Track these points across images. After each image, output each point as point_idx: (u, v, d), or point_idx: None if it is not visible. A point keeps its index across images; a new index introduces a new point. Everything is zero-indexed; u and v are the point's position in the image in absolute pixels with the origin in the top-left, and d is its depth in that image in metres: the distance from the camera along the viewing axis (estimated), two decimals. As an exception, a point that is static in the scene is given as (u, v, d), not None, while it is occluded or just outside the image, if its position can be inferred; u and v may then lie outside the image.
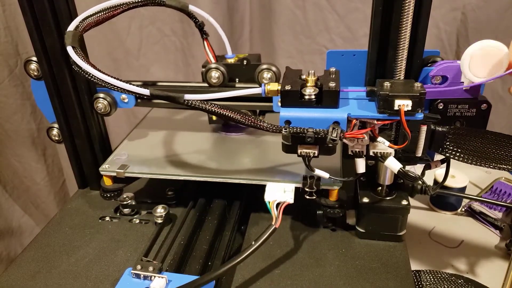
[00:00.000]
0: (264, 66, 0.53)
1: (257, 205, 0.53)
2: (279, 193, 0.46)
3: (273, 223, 0.42)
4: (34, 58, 0.52)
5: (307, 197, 0.47)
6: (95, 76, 0.41)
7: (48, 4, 0.48)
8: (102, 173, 0.54)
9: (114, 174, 0.53)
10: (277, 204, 0.44)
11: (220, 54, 0.59)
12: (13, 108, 0.98)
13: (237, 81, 0.56)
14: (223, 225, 0.52)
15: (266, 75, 0.53)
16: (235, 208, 0.54)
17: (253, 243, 0.41)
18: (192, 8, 0.55)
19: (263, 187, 0.47)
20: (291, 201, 0.45)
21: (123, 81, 0.40)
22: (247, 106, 0.56)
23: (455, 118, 0.42)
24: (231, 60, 0.57)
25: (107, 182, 0.55)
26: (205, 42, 0.57)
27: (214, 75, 0.54)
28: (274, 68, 0.53)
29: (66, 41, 0.42)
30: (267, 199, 0.45)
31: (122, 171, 0.53)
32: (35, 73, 0.53)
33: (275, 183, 0.48)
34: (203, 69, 0.55)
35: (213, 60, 0.57)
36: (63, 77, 0.52)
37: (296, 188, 0.47)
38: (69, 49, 0.42)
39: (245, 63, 0.55)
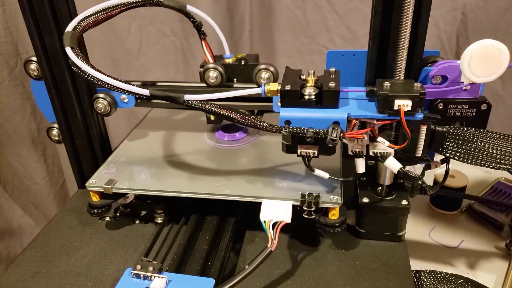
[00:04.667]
0: (262, 66, 0.53)
1: (254, 218, 0.48)
2: (275, 212, 0.44)
3: (268, 245, 0.40)
4: (34, 58, 0.52)
5: (306, 216, 0.45)
6: (95, 77, 0.41)
7: (48, 4, 0.48)
8: (88, 188, 0.50)
9: (101, 189, 0.50)
10: (274, 224, 0.42)
11: (219, 54, 0.59)
12: (13, 108, 0.98)
13: (235, 81, 0.56)
14: (223, 225, 0.52)
15: (264, 75, 0.53)
16: (230, 221, 0.52)
17: (246, 267, 0.40)
18: (190, 8, 0.55)
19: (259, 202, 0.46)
20: (289, 220, 0.43)
21: (123, 82, 0.40)
22: (247, 106, 0.56)
23: (455, 118, 0.42)
24: (229, 60, 0.57)
25: (94, 198, 0.51)
26: (203, 42, 0.57)
27: (212, 75, 0.54)
28: (272, 68, 0.53)
29: (64, 42, 0.42)
30: (262, 218, 0.43)
31: (110, 186, 0.49)
32: (35, 73, 0.53)
33: (271, 200, 0.45)
34: (201, 69, 0.55)
35: (211, 60, 0.57)
36: (63, 77, 0.52)
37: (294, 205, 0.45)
38: (68, 50, 0.42)
39: (243, 63, 0.55)
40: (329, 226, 0.47)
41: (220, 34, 0.58)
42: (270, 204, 0.45)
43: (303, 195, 0.45)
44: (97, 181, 0.51)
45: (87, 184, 0.51)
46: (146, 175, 0.53)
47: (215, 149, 0.59)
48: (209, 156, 0.57)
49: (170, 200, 0.54)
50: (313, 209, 0.45)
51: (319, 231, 0.50)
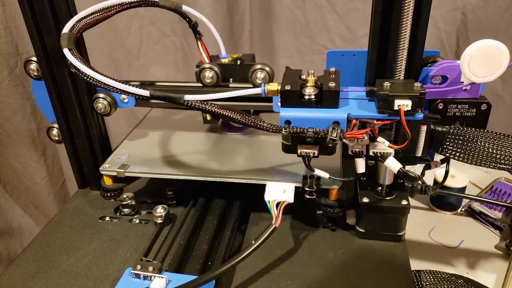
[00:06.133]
0: (258, 66, 0.53)
1: (257, 205, 0.53)
2: (279, 193, 0.46)
3: (273, 222, 0.42)
4: (34, 58, 0.52)
5: (307, 196, 0.47)
6: (94, 78, 0.40)
7: (48, 4, 0.48)
8: (102, 172, 0.54)
9: (115, 173, 0.54)
10: (277, 204, 0.44)
11: (216, 54, 0.59)
12: (13, 108, 0.98)
13: (231, 81, 0.56)
14: (223, 225, 0.52)
15: (260, 75, 0.53)
16: (235, 208, 0.54)
17: (253, 242, 0.41)
18: (185, 8, 0.55)
19: (263, 187, 0.47)
20: (291, 200, 0.45)
21: (123, 83, 0.40)
22: (247, 106, 0.56)
23: (455, 118, 0.42)
24: (225, 60, 0.57)
25: (108, 182, 0.55)
26: (198, 42, 0.57)
27: (208, 75, 0.54)
28: (267, 68, 0.53)
29: (62, 43, 0.42)
30: (267, 198, 0.45)
31: (123, 170, 0.53)
32: (35, 73, 0.53)
33: (275, 182, 0.48)
34: (197, 69, 0.55)
35: (207, 60, 0.57)
36: (63, 77, 0.52)
37: (296, 188, 0.47)
38: (66, 51, 0.42)
39: (238, 63, 0.55)
40: (329, 207, 0.49)
41: (216, 34, 0.58)
42: (274, 186, 0.47)
43: (305, 177, 0.47)
44: (110, 166, 0.54)
45: (101, 168, 0.54)
46: (155, 162, 0.55)
47: (220, 138, 0.61)
48: (214, 146, 0.59)
49: (171, 200, 0.55)
50: (314, 189, 0.47)
51: (319, 231, 0.51)
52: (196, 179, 0.51)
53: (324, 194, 0.49)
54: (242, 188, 0.52)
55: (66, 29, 0.44)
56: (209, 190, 0.56)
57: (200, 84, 0.57)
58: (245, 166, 0.53)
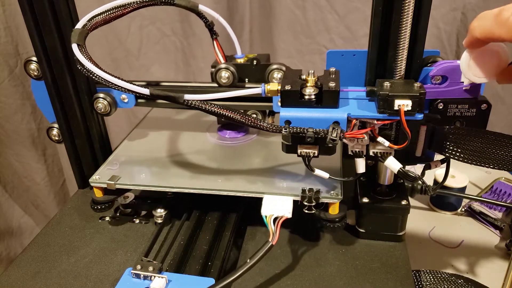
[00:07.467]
0: (275, 66, 0.53)
1: (257, 204, 0.53)
2: (276, 207, 0.44)
3: (269, 239, 0.41)
4: (34, 58, 0.52)
5: (306, 211, 0.46)
6: (97, 75, 0.40)
7: (48, 4, 0.48)
8: (92, 184, 0.51)
9: (105, 185, 0.51)
10: (275, 219, 0.43)
11: (230, 54, 0.59)
12: (13, 108, 0.98)
13: (246, 81, 0.56)
14: (223, 225, 0.52)
15: (277, 75, 0.52)
16: (231, 218, 0.53)
17: (248, 260, 0.40)
18: (202, 8, 0.55)
19: (260, 197, 0.46)
20: (289, 215, 0.43)
21: (124, 81, 0.40)
22: (248, 106, 0.56)
23: (455, 118, 0.42)
24: (240, 60, 0.57)
25: (98, 194, 0.52)
26: (214, 42, 0.57)
27: (224, 75, 0.53)
28: (284, 68, 0.53)
29: (72, 38, 0.42)
30: (264, 213, 0.44)
31: (113, 182, 0.50)
32: (35, 73, 0.53)
33: (272, 196, 0.46)
34: (213, 69, 0.55)
35: (222, 60, 0.56)
36: (63, 77, 0.52)
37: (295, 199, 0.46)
38: (74, 46, 0.41)
39: (254, 63, 0.55)
40: (329, 221, 0.47)
41: (232, 34, 0.58)
42: (271, 200, 0.46)
43: (303, 191, 0.46)
44: (100, 177, 0.51)
45: (90, 180, 0.51)
46: (148, 172, 0.53)
47: (217, 146, 0.60)
48: (210, 153, 0.57)
49: (170, 200, 0.55)
50: (313, 204, 0.45)
51: (319, 231, 0.50)
52: (189, 192, 0.49)
53: (324, 208, 0.48)
54: (240, 198, 0.49)
55: (79, 25, 0.44)
56: (204, 201, 0.54)
57: (200, 84, 0.57)
58: (243, 177, 0.51)
